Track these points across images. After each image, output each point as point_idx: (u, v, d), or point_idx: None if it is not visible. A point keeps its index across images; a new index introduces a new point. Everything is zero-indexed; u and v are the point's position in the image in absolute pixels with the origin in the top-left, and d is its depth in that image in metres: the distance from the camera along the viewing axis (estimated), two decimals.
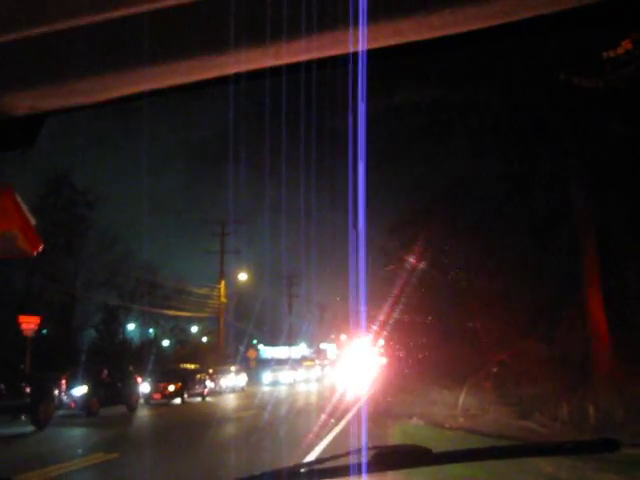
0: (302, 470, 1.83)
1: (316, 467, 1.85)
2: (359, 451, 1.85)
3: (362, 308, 24.68)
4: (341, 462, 1.81)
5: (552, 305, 17.97)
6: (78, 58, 1.20)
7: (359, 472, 1.77)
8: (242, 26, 1.10)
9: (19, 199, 1.20)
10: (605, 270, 16.03)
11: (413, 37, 1.12)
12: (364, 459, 1.77)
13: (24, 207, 1.21)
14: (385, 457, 1.79)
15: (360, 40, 1.10)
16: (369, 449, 1.81)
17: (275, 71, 1.22)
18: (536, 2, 1.08)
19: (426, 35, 1.12)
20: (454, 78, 16.29)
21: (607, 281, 15.99)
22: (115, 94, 1.30)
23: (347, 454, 1.87)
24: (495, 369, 19.55)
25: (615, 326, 15.65)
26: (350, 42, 1.11)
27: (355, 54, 1.15)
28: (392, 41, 1.13)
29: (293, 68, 1.21)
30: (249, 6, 1.08)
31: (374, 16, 1.06)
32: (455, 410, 17.30)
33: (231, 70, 1.22)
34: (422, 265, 21.50)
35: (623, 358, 15.11)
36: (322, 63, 1.19)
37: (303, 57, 1.17)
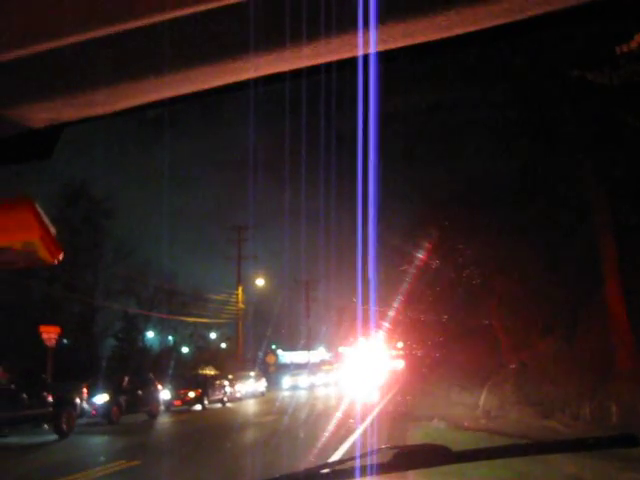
0: (323, 471, 1.84)
1: (337, 468, 1.86)
2: (379, 451, 1.85)
3: (379, 309, 24.69)
4: (361, 462, 1.82)
5: (571, 303, 17.83)
6: (95, 69, 1.22)
7: (380, 472, 1.77)
8: (258, 31, 1.11)
9: (39, 209, 1.22)
10: (625, 267, 15.88)
11: (421, 38, 1.13)
12: (384, 459, 1.77)
13: (44, 217, 1.22)
14: (405, 457, 1.80)
15: (370, 43, 1.11)
16: (389, 449, 1.82)
17: (285, 76, 1.24)
18: (542, 0, 1.08)
19: (433, 36, 1.13)
20: (469, 77, 16.24)
21: (627, 278, 15.84)
22: (132, 103, 1.32)
23: (367, 454, 1.88)
24: (513, 366, 19.43)
25: (636, 323, 15.49)
26: (359, 45, 1.12)
27: (365, 57, 1.16)
28: (400, 43, 1.14)
29: (300, 73, 1.22)
30: (264, 11, 1.09)
31: (381, 18, 1.07)
32: (476, 411, 17.23)
33: (247, 76, 1.24)
34: (436, 264, 21.44)
35: None
36: (331, 67, 1.20)
37: (310, 62, 1.18)
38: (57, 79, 1.25)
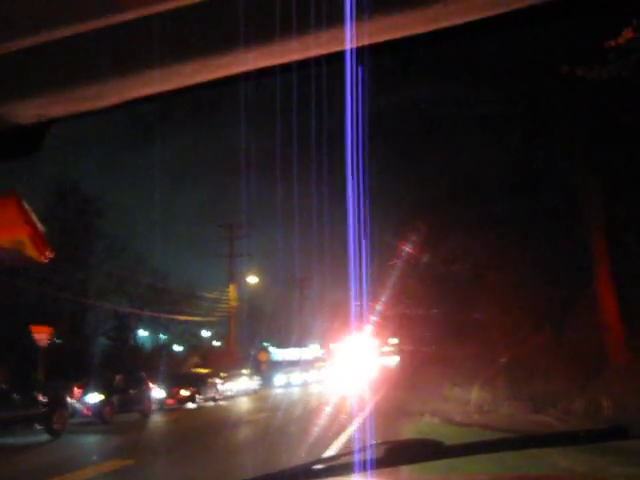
0: (316, 467, 1.84)
1: (330, 463, 1.86)
2: (371, 447, 1.85)
3: (370, 305, 24.74)
4: (354, 458, 1.82)
5: (563, 298, 17.91)
6: (83, 64, 1.22)
7: (371, 467, 1.77)
8: (247, 25, 1.11)
9: (27, 206, 1.21)
10: (616, 261, 15.97)
11: (408, 31, 1.13)
12: (376, 454, 1.77)
13: (32, 214, 1.22)
14: (397, 452, 1.79)
15: (357, 36, 1.11)
16: (380, 444, 1.82)
17: (275, 70, 1.23)
18: None
19: (421, 29, 1.13)
20: (459, 73, 16.28)
21: (618, 272, 15.92)
22: (121, 98, 1.31)
23: (359, 450, 1.87)
24: (504, 360, 19.50)
25: (627, 317, 15.58)
26: (346, 38, 1.12)
27: (352, 50, 1.16)
28: (387, 36, 1.14)
29: (290, 67, 1.22)
30: (253, 5, 1.09)
31: (368, 11, 1.06)
32: (468, 406, 17.28)
33: (236, 70, 1.23)
34: (426, 258, 21.51)
35: (636, 349, 15.05)
36: (321, 62, 1.20)
37: (299, 56, 1.18)
38: (45, 75, 1.24)
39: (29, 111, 1.32)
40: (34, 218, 1.22)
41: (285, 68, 1.23)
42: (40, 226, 1.24)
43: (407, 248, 21.65)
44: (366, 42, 1.14)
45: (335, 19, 1.08)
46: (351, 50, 1.16)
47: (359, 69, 1.22)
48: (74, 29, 1.10)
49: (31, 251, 1.23)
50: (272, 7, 1.07)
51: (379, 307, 24.40)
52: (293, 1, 1.05)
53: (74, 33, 1.10)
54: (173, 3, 1.05)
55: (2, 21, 1.09)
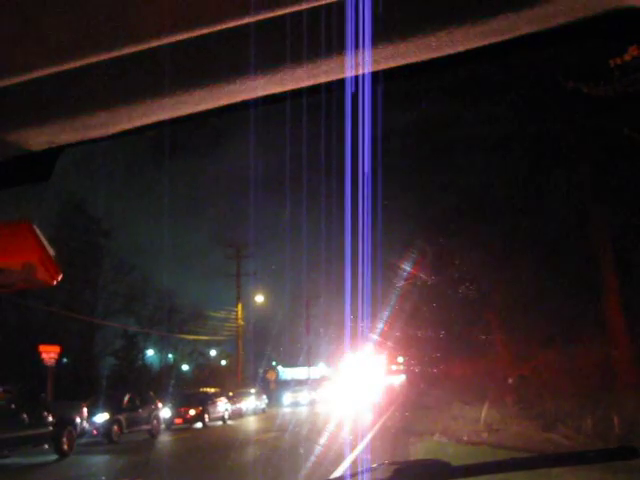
0: None
1: None
2: (380, 467, 1.85)
3: (377, 326, 24.70)
4: (362, 478, 1.82)
5: (571, 316, 17.82)
6: (93, 93, 1.24)
7: None
8: (254, 55, 1.13)
9: (38, 231, 1.23)
10: (623, 279, 15.90)
11: (412, 59, 1.15)
12: (384, 475, 1.77)
13: (43, 238, 1.24)
14: (406, 472, 1.79)
15: (362, 64, 1.13)
16: (390, 465, 1.82)
17: (280, 97, 1.26)
18: (530, 19, 1.10)
19: (425, 56, 1.14)
20: (463, 94, 16.34)
21: (626, 290, 15.85)
22: (129, 125, 1.34)
23: (367, 470, 1.87)
24: (511, 380, 19.38)
25: (636, 335, 15.48)
26: (351, 67, 1.14)
27: (357, 77, 1.18)
28: (392, 63, 1.16)
29: (299, 94, 1.24)
30: (260, 35, 1.11)
31: (373, 40, 1.09)
32: (478, 425, 17.13)
33: (243, 97, 1.26)
34: (432, 280, 21.48)
35: None
36: (325, 89, 1.22)
37: (305, 83, 1.20)
38: (56, 103, 1.27)
39: (41, 138, 1.34)
40: (44, 241, 1.24)
41: (291, 94, 1.25)
42: (50, 249, 1.25)
43: (413, 269, 21.64)
44: (372, 69, 1.16)
45: (342, 48, 1.10)
46: (357, 77, 1.18)
47: (365, 95, 1.24)
48: (86, 60, 1.12)
49: (42, 274, 1.24)
50: (281, 36, 1.09)
51: (387, 327, 24.38)
52: (303, 30, 1.07)
53: (86, 64, 1.13)
54: (184, 34, 1.08)
55: (16, 53, 1.12)
